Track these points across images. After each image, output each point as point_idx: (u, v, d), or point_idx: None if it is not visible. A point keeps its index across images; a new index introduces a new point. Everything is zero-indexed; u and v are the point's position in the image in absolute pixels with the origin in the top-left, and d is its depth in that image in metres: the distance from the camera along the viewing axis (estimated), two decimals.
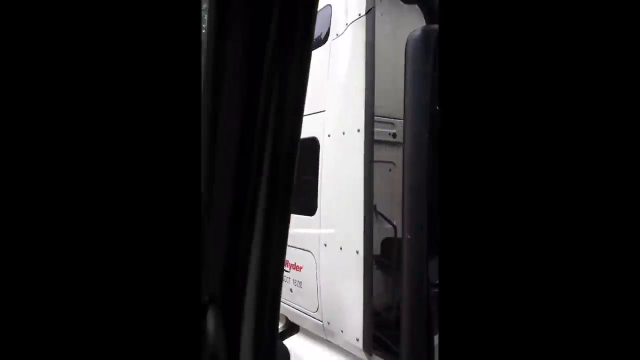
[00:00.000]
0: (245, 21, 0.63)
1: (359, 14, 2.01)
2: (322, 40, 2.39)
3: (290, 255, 2.49)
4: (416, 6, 1.77)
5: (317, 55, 2.39)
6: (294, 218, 2.40)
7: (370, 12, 1.94)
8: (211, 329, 0.73)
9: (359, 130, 1.96)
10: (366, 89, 1.92)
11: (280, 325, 3.01)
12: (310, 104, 1.92)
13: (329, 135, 2.23)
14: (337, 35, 2.25)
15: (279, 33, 0.63)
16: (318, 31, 2.47)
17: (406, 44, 1.58)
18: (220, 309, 0.75)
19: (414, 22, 1.82)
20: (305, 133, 2.03)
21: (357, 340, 1.97)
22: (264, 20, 0.62)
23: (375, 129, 1.98)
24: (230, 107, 0.69)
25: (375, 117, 1.97)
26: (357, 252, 1.95)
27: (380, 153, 2.13)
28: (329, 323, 2.24)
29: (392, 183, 2.18)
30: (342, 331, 2.12)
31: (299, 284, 2.48)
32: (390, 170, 2.30)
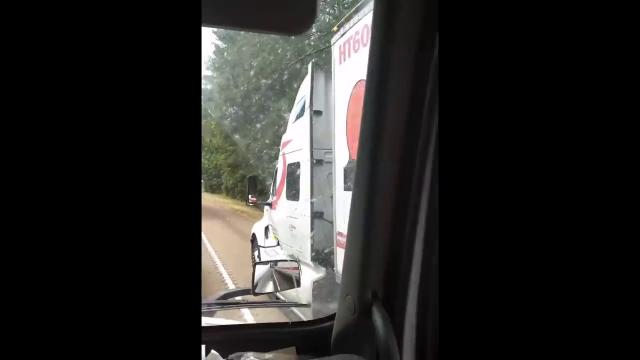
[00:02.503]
0: (411, 25, 0.63)
1: (308, 109, 4.45)
2: (302, 114, 4.84)
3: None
4: None
5: (300, 122, 4.87)
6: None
7: (309, 108, 4.31)
8: (379, 325, 0.74)
9: (306, 159, 4.43)
10: (310, 140, 4.31)
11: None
12: (295, 146, 4.77)
13: (302, 160, 4.68)
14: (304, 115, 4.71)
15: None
16: (300, 109, 4.92)
17: None
18: (382, 305, 0.76)
19: None
20: (292, 159, 4.70)
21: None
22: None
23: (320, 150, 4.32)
24: (393, 111, 0.70)
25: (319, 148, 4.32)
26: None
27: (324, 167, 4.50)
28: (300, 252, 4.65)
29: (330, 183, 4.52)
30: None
31: (293, 228, 4.93)
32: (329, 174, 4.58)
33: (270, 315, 3.87)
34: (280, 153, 5.73)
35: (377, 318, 0.74)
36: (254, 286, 1.49)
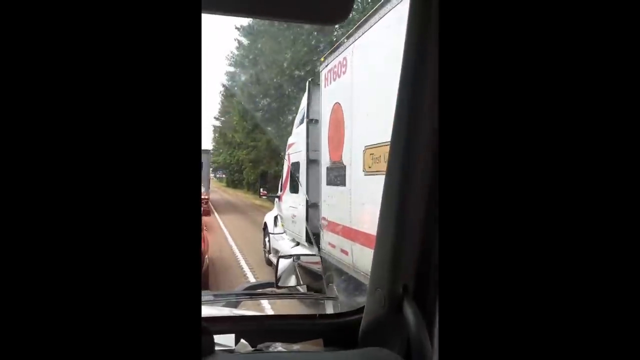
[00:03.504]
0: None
1: (305, 119, 5.49)
2: (303, 121, 5.90)
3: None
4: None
5: (301, 127, 5.92)
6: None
7: (306, 118, 5.38)
8: (410, 320, 0.72)
9: (304, 159, 5.50)
10: (306, 143, 5.39)
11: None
12: (296, 148, 6.01)
13: (301, 160, 5.74)
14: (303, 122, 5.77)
15: None
16: (301, 117, 5.96)
17: None
18: (413, 299, 0.75)
19: None
20: (294, 159, 5.88)
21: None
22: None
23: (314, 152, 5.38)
24: (429, 101, 0.68)
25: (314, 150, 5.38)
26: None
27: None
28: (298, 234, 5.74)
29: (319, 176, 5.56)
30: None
31: (294, 216, 6.02)
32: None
33: (285, 305, 3.90)
34: (286, 154, 6.84)
35: (409, 313, 0.74)
36: (277, 279, 1.52)
